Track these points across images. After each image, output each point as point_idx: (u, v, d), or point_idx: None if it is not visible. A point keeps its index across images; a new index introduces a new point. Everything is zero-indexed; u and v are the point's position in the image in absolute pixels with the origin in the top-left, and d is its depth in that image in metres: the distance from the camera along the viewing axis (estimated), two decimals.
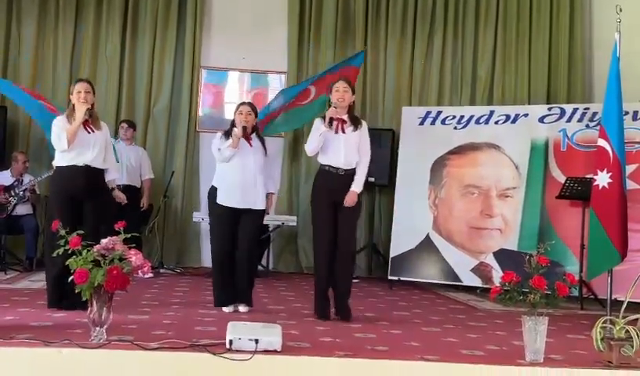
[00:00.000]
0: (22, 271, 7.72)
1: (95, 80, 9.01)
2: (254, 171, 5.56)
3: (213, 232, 5.68)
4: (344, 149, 5.36)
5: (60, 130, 5.25)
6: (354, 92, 5.52)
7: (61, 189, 5.29)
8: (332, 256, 5.35)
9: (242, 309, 5.54)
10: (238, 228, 5.55)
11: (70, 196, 5.24)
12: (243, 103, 5.75)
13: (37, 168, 8.47)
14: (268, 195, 5.73)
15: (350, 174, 5.40)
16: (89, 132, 5.29)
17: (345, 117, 5.42)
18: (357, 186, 5.40)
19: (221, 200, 5.56)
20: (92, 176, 5.29)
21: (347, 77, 5.76)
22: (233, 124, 5.64)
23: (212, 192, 5.63)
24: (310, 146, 5.47)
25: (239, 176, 5.52)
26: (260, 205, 5.60)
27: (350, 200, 5.36)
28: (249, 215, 5.56)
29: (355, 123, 5.47)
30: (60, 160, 5.30)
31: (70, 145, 5.20)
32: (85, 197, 5.25)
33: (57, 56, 9.09)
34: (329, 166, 5.40)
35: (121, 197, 5.67)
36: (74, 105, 5.30)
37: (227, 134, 5.60)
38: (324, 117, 5.44)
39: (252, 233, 5.60)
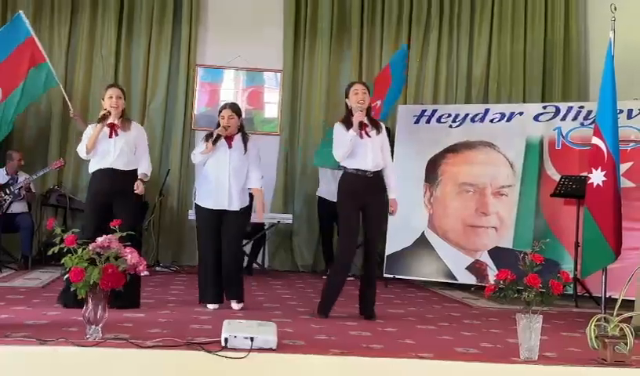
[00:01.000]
0: (17, 269, 7.71)
1: (90, 78, 9.07)
2: (228, 172, 5.55)
3: (198, 231, 5.79)
4: (372, 152, 5.37)
5: (85, 137, 5.49)
6: (370, 93, 5.53)
7: (92, 192, 5.52)
8: (350, 264, 5.50)
9: (235, 306, 5.57)
10: (222, 228, 5.58)
11: (98, 198, 5.44)
12: (225, 106, 5.70)
13: (32, 167, 8.46)
14: (251, 191, 5.72)
15: (378, 175, 5.43)
16: (111, 136, 5.43)
17: (365, 119, 5.41)
18: (395, 192, 5.55)
19: (199, 200, 5.69)
20: (116, 178, 5.43)
21: (364, 82, 5.72)
22: (218, 125, 5.64)
23: (195, 192, 5.80)
24: (341, 152, 5.39)
25: (213, 177, 5.58)
26: (234, 206, 5.57)
27: (395, 209, 5.53)
28: (228, 215, 5.58)
29: (376, 125, 5.50)
30: (91, 166, 5.52)
31: (90, 151, 5.42)
32: (110, 198, 5.41)
33: (53, 54, 9.03)
34: (358, 169, 5.37)
35: (140, 188, 5.58)
36: (107, 111, 5.46)
37: (210, 136, 5.60)
38: (343, 122, 5.44)
39: (232, 234, 5.59)
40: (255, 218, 6.16)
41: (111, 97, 5.46)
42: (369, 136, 5.38)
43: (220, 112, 5.67)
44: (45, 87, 7.22)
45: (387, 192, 5.53)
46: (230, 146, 5.60)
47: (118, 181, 5.43)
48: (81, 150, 5.49)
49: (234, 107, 5.70)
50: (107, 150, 5.44)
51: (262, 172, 5.79)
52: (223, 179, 5.55)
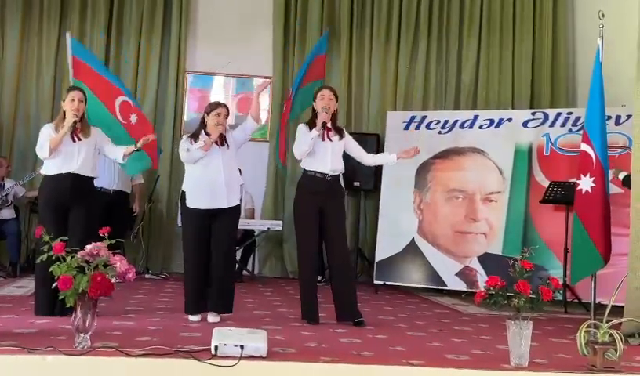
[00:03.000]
0: (5, 277, 7.66)
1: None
2: (222, 169, 5.36)
3: (185, 238, 5.48)
4: (331, 155, 5.46)
5: (44, 138, 5.28)
6: (337, 100, 5.60)
7: (49, 197, 5.31)
8: (317, 259, 5.44)
9: (212, 318, 5.28)
10: (211, 233, 5.36)
11: (56, 203, 5.26)
12: (219, 104, 5.50)
13: (20, 173, 8.42)
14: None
15: (336, 179, 5.53)
16: (74, 141, 5.29)
17: (329, 124, 5.48)
18: (391, 156, 5.78)
19: (190, 202, 5.40)
20: (78, 184, 5.29)
21: (331, 88, 5.68)
22: (203, 121, 5.48)
23: (183, 196, 5.48)
24: (300, 149, 5.48)
25: (207, 176, 5.35)
26: (233, 202, 5.41)
27: (408, 152, 5.70)
28: (222, 215, 5.37)
29: (339, 132, 5.59)
30: (47, 168, 5.32)
31: (52, 153, 5.24)
32: (71, 204, 5.26)
33: (41, 59, 9.04)
34: (316, 172, 5.45)
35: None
36: (64, 112, 5.33)
37: (194, 136, 5.42)
38: (307, 123, 5.55)
39: (225, 235, 5.41)
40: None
41: (73, 100, 5.30)
42: (331, 140, 5.47)
43: (214, 109, 5.42)
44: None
45: (389, 162, 5.84)
46: (220, 144, 5.41)
47: (78, 187, 5.29)
48: (43, 152, 5.24)
49: (226, 106, 5.55)
50: (71, 153, 5.28)
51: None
52: (218, 179, 5.34)
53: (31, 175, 8.10)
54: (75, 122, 5.27)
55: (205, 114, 5.49)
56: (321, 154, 5.45)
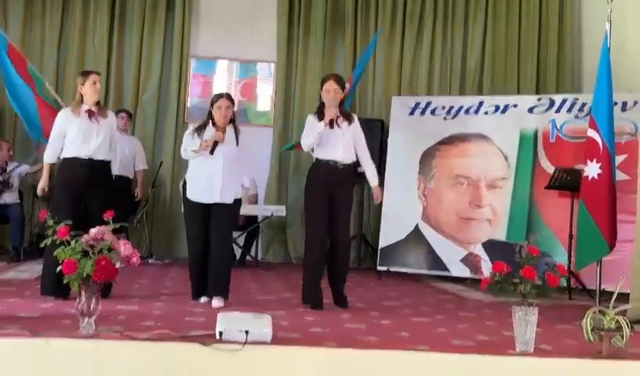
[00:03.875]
0: (9, 261, 7.65)
1: (82, 68, 8.94)
2: (223, 165, 5.38)
3: (187, 225, 5.65)
4: (342, 144, 5.46)
5: (59, 131, 5.40)
6: (344, 89, 5.57)
7: (65, 179, 5.35)
8: (325, 246, 5.45)
9: (215, 303, 5.27)
10: (210, 222, 5.41)
11: (72, 186, 5.30)
12: (221, 96, 5.50)
13: (22, 157, 8.40)
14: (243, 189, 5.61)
15: (347, 167, 5.51)
16: (92, 122, 5.36)
17: (337, 113, 5.47)
18: (375, 180, 5.68)
19: (190, 194, 5.50)
20: (95, 168, 5.35)
21: (336, 78, 5.62)
22: (209, 115, 5.48)
23: (184, 185, 5.60)
24: (307, 142, 5.49)
25: (207, 171, 5.39)
26: (229, 199, 5.43)
27: (379, 196, 5.67)
28: (220, 209, 5.40)
29: (348, 117, 5.56)
30: (65, 151, 5.37)
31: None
32: (86, 186, 5.31)
33: (44, 44, 9.02)
34: (328, 160, 5.45)
35: None
36: (82, 95, 5.39)
37: (200, 128, 5.46)
38: (316, 113, 5.53)
39: (223, 227, 5.45)
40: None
41: (95, 83, 5.40)
42: (340, 127, 5.45)
43: (215, 102, 5.45)
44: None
45: (369, 182, 5.71)
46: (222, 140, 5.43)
47: (95, 172, 5.35)
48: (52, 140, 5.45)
49: (230, 97, 5.55)
50: (89, 136, 5.34)
51: (249, 174, 5.72)
52: (217, 173, 5.37)
53: (34, 154, 8.08)
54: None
55: (211, 107, 5.50)
56: (333, 143, 5.44)
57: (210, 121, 5.47)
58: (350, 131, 5.52)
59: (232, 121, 5.53)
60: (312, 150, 5.54)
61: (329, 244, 5.51)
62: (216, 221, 5.41)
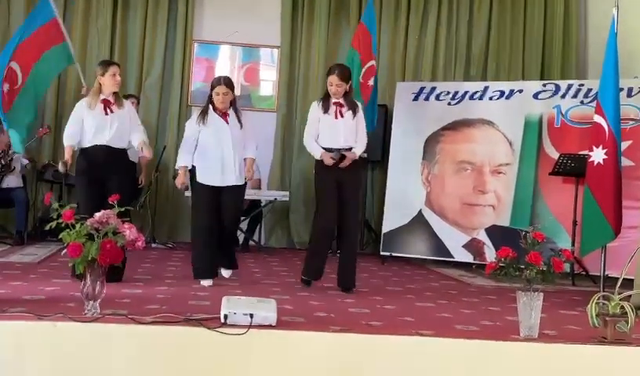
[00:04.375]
0: (12, 245, 7.66)
1: (85, 52, 8.97)
2: (231, 148, 5.54)
3: (195, 208, 5.77)
4: (343, 132, 5.59)
5: (76, 117, 5.55)
6: (349, 80, 5.65)
7: (84, 169, 5.52)
8: (333, 232, 5.70)
9: (225, 273, 5.75)
10: (220, 204, 5.57)
11: (90, 174, 5.47)
12: (219, 82, 5.56)
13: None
14: (246, 160, 5.70)
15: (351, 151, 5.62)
16: (107, 113, 5.50)
17: (342, 100, 5.61)
18: (356, 150, 5.65)
19: (200, 178, 5.62)
20: (111, 155, 5.50)
21: (340, 70, 5.65)
22: (210, 99, 5.58)
23: (192, 170, 5.69)
24: (306, 137, 5.68)
25: (216, 154, 5.53)
26: (239, 181, 5.63)
27: (348, 159, 5.55)
28: (229, 191, 5.58)
29: (353, 107, 5.65)
30: (82, 141, 5.53)
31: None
32: (105, 174, 5.44)
33: None
34: (332, 148, 5.57)
35: (146, 150, 5.64)
36: (100, 86, 5.54)
37: (203, 114, 5.57)
38: (322, 99, 5.66)
39: (233, 209, 5.67)
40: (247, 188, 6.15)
41: (114, 75, 5.53)
42: (342, 117, 5.59)
43: (215, 87, 5.55)
44: (58, 69, 7.35)
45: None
46: (227, 122, 5.57)
47: (112, 158, 5.50)
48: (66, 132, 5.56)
49: (229, 82, 5.60)
50: (104, 126, 5.48)
51: (256, 142, 5.84)
52: (228, 155, 5.53)
53: (32, 140, 8.06)
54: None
55: (211, 91, 5.61)
56: (334, 132, 5.59)
57: (211, 106, 5.58)
58: (353, 121, 5.64)
59: (233, 104, 5.63)
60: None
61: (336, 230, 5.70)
62: (227, 201, 5.58)
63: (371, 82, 7.62)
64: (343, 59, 9.11)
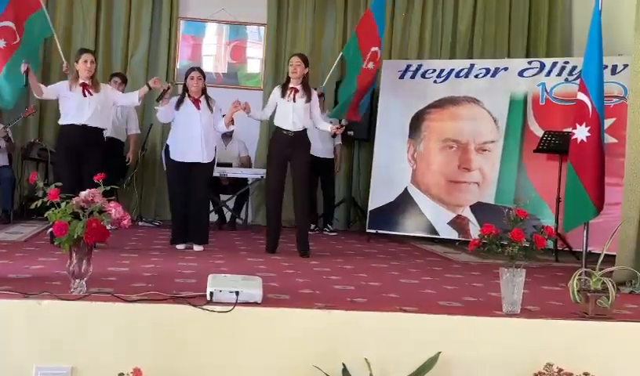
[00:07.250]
0: None
1: (71, 31, 8.92)
2: (200, 129, 6.30)
3: (168, 182, 6.63)
4: (292, 114, 6.32)
5: (51, 87, 6.36)
6: (307, 65, 6.42)
7: (63, 144, 6.27)
8: (280, 198, 6.52)
9: (197, 248, 6.27)
10: (191, 179, 6.33)
11: (70, 149, 6.12)
12: (193, 69, 6.51)
13: (10, 118, 8.32)
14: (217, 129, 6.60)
15: (298, 135, 6.34)
16: (85, 96, 6.13)
17: (298, 86, 6.34)
18: (328, 128, 6.68)
19: (173, 156, 6.40)
20: (87, 133, 6.13)
21: (300, 55, 6.59)
22: (184, 88, 6.40)
23: (166, 148, 6.53)
24: (259, 116, 6.77)
25: (186, 134, 6.31)
26: (206, 159, 6.37)
27: (333, 128, 6.68)
28: (198, 167, 6.34)
29: (307, 93, 6.37)
30: (63, 119, 6.21)
31: (39, 96, 6.37)
32: (82, 151, 6.08)
33: None
34: (281, 128, 6.36)
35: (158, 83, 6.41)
36: (77, 72, 6.16)
37: (179, 103, 6.35)
38: (282, 86, 6.45)
39: (202, 183, 6.40)
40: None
41: (86, 61, 6.12)
42: (294, 101, 6.30)
43: (188, 74, 6.41)
44: (39, 38, 7.18)
45: (326, 130, 6.72)
46: (198, 108, 6.32)
47: (88, 136, 6.14)
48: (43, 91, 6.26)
49: (201, 70, 6.50)
50: (82, 106, 6.12)
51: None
52: (196, 136, 6.29)
53: (18, 119, 8.02)
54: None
55: (185, 80, 6.44)
56: (284, 113, 6.35)
57: (186, 94, 6.37)
58: (304, 106, 6.34)
59: (204, 91, 6.41)
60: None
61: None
62: (196, 177, 6.35)
63: (370, 66, 7.57)
64: (329, 36, 9.19)
